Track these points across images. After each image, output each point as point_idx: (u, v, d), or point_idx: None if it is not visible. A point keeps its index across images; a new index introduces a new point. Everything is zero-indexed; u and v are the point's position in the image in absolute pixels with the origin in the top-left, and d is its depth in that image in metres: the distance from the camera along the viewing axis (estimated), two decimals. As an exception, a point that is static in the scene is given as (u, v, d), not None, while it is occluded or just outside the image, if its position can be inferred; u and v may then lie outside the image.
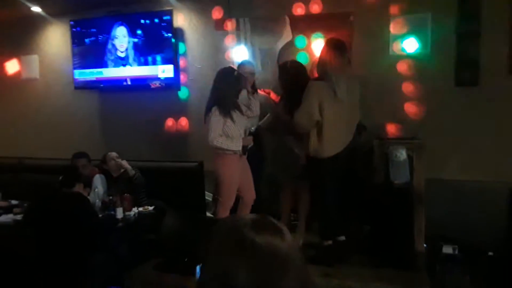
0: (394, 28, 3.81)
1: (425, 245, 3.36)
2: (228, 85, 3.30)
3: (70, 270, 2.67)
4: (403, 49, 3.76)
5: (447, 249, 3.38)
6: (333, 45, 3.19)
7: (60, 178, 3.09)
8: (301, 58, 4.02)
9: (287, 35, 4.12)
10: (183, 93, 4.70)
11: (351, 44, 3.82)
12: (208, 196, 4.23)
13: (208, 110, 3.31)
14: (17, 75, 5.47)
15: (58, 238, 2.70)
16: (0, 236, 3.27)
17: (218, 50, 4.48)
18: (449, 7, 3.63)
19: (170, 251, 3.12)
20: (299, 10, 4.08)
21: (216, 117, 3.24)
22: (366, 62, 3.74)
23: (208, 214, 4.07)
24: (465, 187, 3.59)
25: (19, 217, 3.40)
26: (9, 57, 5.47)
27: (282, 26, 4.13)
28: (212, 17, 4.45)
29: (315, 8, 4.02)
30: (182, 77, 4.66)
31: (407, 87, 3.79)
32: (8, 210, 3.66)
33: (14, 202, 3.82)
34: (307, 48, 4.06)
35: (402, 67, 3.80)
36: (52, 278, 2.65)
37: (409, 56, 3.76)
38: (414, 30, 3.73)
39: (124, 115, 4.94)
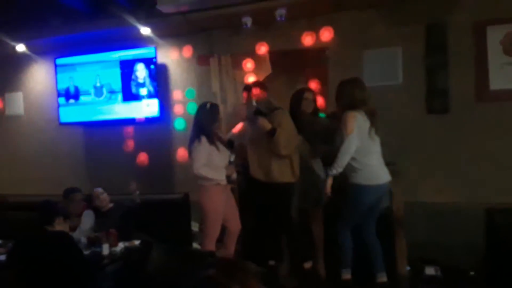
0: (367, 61, 4.02)
1: (408, 267, 3.45)
2: (205, 117, 3.41)
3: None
4: (375, 81, 3.96)
5: (430, 271, 3.48)
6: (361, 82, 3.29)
7: (38, 215, 3.03)
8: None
9: (266, 69, 4.30)
10: (167, 126, 4.80)
11: (328, 77, 4.02)
12: (195, 226, 4.27)
13: (193, 140, 3.38)
14: (1, 111, 5.50)
15: (43, 279, 2.70)
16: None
17: (201, 84, 4.63)
18: (418, 41, 3.88)
19: (157, 286, 3.13)
20: (276, 46, 4.27)
21: (202, 146, 3.31)
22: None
23: (195, 245, 4.10)
24: (442, 208, 3.74)
25: (2, 257, 3.35)
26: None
27: (262, 61, 4.32)
28: (195, 53, 4.62)
29: (292, 44, 4.22)
30: (168, 110, 4.78)
31: (382, 117, 3.97)
32: (-9, 250, 3.60)
33: (-2, 241, 3.77)
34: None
35: (375, 97, 3.99)
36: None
37: (381, 87, 3.96)
38: (386, 62, 3.95)
39: (109, 149, 4.99)
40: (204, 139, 3.33)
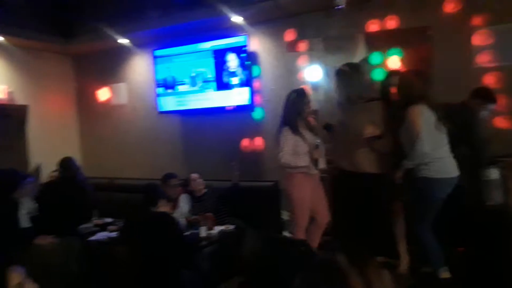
0: (477, 40, 3.62)
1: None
2: (290, 107, 3.40)
3: (162, 285, 2.84)
4: (488, 62, 3.56)
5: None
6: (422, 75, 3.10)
7: (143, 197, 3.23)
8: (377, 74, 3.96)
9: (361, 52, 4.09)
10: (258, 114, 4.84)
11: (431, 59, 3.69)
12: (285, 215, 4.27)
13: (279, 129, 3.41)
14: (107, 101, 6.00)
15: (150, 256, 2.90)
16: (97, 252, 3.56)
17: (291, 71, 4.57)
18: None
19: (252, 270, 3.18)
20: (373, 26, 4.04)
21: (286, 135, 3.32)
22: (449, 77, 3.57)
23: (286, 233, 4.10)
24: None
25: (113, 234, 3.68)
26: (101, 85, 6.02)
27: (356, 44, 4.12)
28: (285, 39, 4.56)
29: (391, 24, 3.95)
30: (257, 98, 4.81)
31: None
32: (102, 227, 3.98)
33: (107, 220, 4.14)
34: (383, 65, 3.99)
35: (488, 80, 3.58)
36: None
37: (495, 69, 3.54)
38: (499, 41, 3.51)
39: (203, 136, 5.19)
40: (287, 129, 3.32)
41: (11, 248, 2.92)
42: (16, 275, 1.18)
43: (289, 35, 4.54)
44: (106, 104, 6.00)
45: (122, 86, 5.85)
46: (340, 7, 3.84)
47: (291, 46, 4.54)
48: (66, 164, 4.31)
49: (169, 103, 5.26)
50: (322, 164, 3.43)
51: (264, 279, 2.93)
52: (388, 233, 3.44)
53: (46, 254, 3.31)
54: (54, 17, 5.27)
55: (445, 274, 3.02)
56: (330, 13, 4.15)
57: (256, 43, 4.80)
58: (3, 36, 5.03)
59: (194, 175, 4.11)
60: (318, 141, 3.40)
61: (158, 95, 5.32)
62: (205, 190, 4.07)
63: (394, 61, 3.88)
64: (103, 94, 6.02)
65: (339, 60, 4.19)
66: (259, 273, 3.02)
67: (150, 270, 2.82)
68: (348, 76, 3.33)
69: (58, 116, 6.04)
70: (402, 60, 3.88)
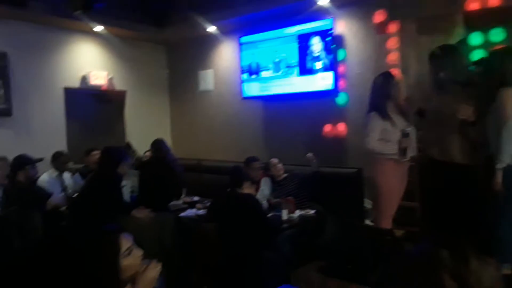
0: None
1: None
2: (377, 91, 3.27)
3: (245, 263, 2.97)
4: None
5: None
6: None
7: (229, 179, 3.39)
8: (476, 56, 3.64)
9: (459, 33, 3.78)
10: (342, 99, 4.74)
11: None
12: (368, 204, 4.16)
13: (367, 115, 3.31)
14: (195, 87, 6.31)
15: (234, 234, 3.04)
16: (187, 228, 3.81)
17: (379, 54, 4.38)
18: None
19: (332, 256, 3.18)
20: (474, 4, 3.70)
21: (374, 121, 3.21)
22: None
23: (367, 221, 4.00)
24: None
25: (200, 212, 3.92)
26: (190, 72, 6.33)
27: (453, 24, 3.81)
28: (374, 21, 4.38)
29: (494, 1, 3.59)
30: (342, 83, 4.71)
31: None
32: (191, 205, 4.25)
33: (195, 198, 4.41)
34: (484, 46, 3.65)
35: None
36: (230, 268, 3.00)
37: None
38: None
39: (284, 122, 5.23)
40: (375, 115, 3.22)
41: (120, 217, 3.23)
42: (126, 241, 1.32)
43: (379, 16, 4.34)
44: (195, 89, 6.30)
45: (209, 73, 6.10)
46: None
47: (381, 28, 4.34)
48: (157, 145, 4.63)
49: (253, 88, 5.36)
50: (411, 153, 3.28)
51: (344, 265, 2.92)
52: (483, 228, 3.20)
53: (143, 226, 3.63)
54: (149, 7, 5.62)
55: (507, 270, 2.78)
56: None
57: (342, 26, 4.67)
58: (103, 26, 5.45)
59: (274, 160, 4.18)
60: (409, 128, 3.24)
61: (243, 81, 5.45)
62: (285, 175, 4.12)
63: (497, 42, 3.52)
64: (191, 80, 6.32)
65: (434, 42, 3.94)
66: (339, 259, 3.02)
67: (234, 248, 2.96)
68: (441, 59, 3.11)
69: (151, 101, 6.45)
70: (506, 41, 3.51)
